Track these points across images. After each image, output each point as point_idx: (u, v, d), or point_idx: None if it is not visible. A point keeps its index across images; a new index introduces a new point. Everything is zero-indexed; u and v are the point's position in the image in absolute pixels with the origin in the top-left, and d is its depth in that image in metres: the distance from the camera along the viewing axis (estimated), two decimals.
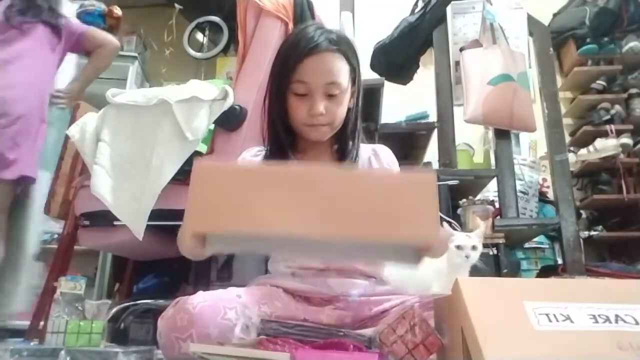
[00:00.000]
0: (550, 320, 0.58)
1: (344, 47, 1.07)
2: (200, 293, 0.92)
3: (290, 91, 1.05)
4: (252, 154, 1.17)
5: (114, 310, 1.76)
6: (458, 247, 1.04)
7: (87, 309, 1.25)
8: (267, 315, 0.93)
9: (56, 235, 2.51)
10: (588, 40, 3.37)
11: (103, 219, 1.57)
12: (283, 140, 1.10)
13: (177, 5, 2.74)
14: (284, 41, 1.14)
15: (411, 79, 2.61)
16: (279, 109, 1.08)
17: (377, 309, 1.03)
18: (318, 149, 1.14)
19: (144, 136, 1.49)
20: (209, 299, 0.89)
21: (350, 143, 1.15)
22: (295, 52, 1.04)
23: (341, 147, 1.16)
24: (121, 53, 3.09)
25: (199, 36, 2.76)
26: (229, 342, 0.79)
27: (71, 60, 2.90)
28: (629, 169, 3.20)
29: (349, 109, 1.12)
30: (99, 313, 1.23)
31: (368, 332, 0.73)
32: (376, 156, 1.19)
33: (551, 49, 2.35)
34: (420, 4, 2.43)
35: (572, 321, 0.58)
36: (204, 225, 0.59)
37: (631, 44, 3.27)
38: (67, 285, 1.27)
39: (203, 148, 1.62)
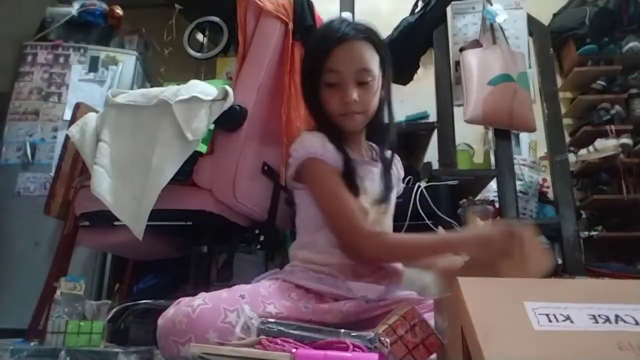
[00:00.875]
0: (550, 321, 0.58)
1: (372, 36, 1.08)
2: (202, 294, 0.91)
3: (323, 83, 1.07)
4: (320, 142, 1.10)
5: (114, 310, 1.76)
6: None
7: (87, 309, 1.25)
8: (272, 316, 0.91)
9: None
10: (588, 40, 3.37)
11: (103, 219, 1.57)
12: (332, 134, 1.10)
13: (177, 5, 2.74)
14: (312, 36, 1.19)
15: (411, 79, 2.62)
16: (314, 103, 1.10)
17: (383, 311, 1.02)
18: (354, 143, 1.15)
19: (144, 136, 1.49)
20: (210, 300, 0.88)
21: (383, 137, 1.18)
22: (324, 43, 1.06)
23: (374, 141, 1.20)
24: (122, 52, 3.10)
25: (199, 36, 2.75)
26: (229, 343, 0.79)
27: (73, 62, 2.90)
28: (629, 169, 3.20)
29: (381, 100, 1.13)
30: (99, 313, 1.23)
31: (369, 332, 0.73)
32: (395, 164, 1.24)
33: (551, 49, 2.35)
34: (420, 4, 2.43)
35: (572, 321, 0.58)
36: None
37: (631, 44, 3.27)
38: (66, 285, 1.27)
39: (203, 148, 1.62)
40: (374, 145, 1.22)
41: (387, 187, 1.15)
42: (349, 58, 1.04)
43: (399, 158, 1.26)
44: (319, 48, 1.07)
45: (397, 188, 1.26)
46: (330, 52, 1.04)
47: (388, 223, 1.19)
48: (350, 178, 1.06)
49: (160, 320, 0.88)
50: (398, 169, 1.25)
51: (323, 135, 1.09)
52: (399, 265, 1.10)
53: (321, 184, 1.05)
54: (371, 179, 1.13)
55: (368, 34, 1.08)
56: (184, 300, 0.89)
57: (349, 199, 1.02)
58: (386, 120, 1.17)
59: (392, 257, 1.04)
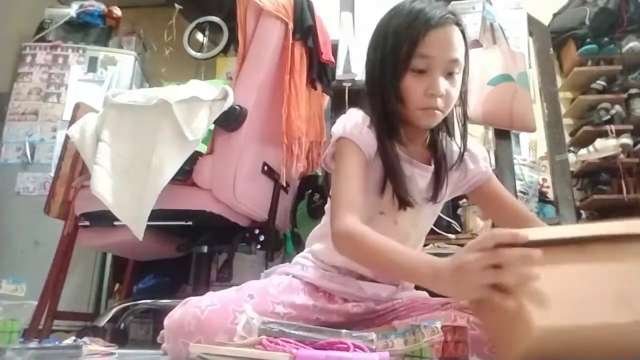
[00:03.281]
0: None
1: (463, 26, 0.98)
2: (209, 294, 0.89)
3: (409, 68, 0.93)
4: (360, 128, 1.00)
5: (114, 310, 1.76)
6: None
7: (7, 309, 1.22)
8: (280, 317, 0.90)
9: None
10: (588, 40, 3.37)
11: (103, 219, 1.57)
12: (392, 127, 0.98)
13: (177, 5, 2.74)
14: (393, 16, 0.98)
15: None
16: (394, 89, 0.95)
17: (387, 310, 1.02)
18: (414, 139, 1.03)
19: (144, 136, 1.49)
20: (218, 301, 0.86)
21: (445, 135, 1.05)
22: (418, 23, 0.92)
23: (434, 137, 1.05)
24: (121, 52, 3.10)
25: (199, 36, 2.75)
26: (229, 343, 0.79)
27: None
28: (629, 169, 3.20)
29: (460, 97, 1.01)
30: (21, 313, 1.20)
31: (370, 332, 0.72)
32: (471, 156, 1.08)
33: (551, 49, 2.35)
34: None
35: None
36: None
37: (631, 44, 3.27)
38: (7, 287, 1.25)
39: (203, 148, 1.62)
40: (442, 142, 1.06)
41: (435, 192, 1.03)
42: (443, 44, 0.93)
43: (476, 151, 1.10)
44: (412, 27, 0.92)
45: (465, 181, 1.11)
46: (425, 34, 0.91)
47: (424, 227, 1.11)
48: (389, 174, 0.97)
49: (167, 321, 0.87)
50: (468, 166, 1.08)
51: (366, 117, 1.00)
52: None
53: (339, 165, 0.97)
54: (416, 182, 1.02)
55: (461, 23, 0.97)
56: (192, 301, 0.87)
57: (353, 188, 0.93)
58: (458, 120, 1.05)
59: (359, 262, 0.95)
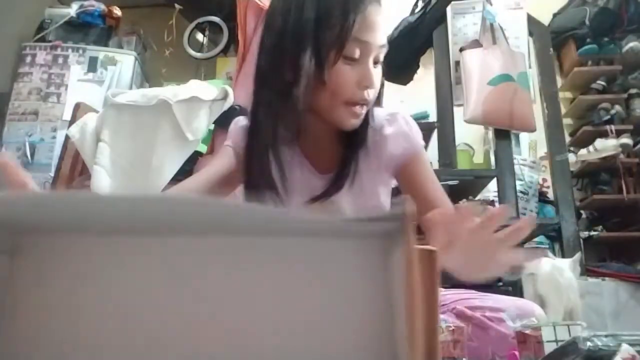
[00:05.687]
0: None
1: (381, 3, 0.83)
2: None
3: (339, 57, 0.77)
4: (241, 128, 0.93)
5: None
6: None
7: None
8: None
9: None
10: (588, 40, 3.37)
11: None
12: (301, 123, 0.85)
13: (177, 5, 2.74)
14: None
15: (411, 79, 2.62)
16: (317, 79, 0.78)
17: None
18: (319, 135, 0.89)
19: (144, 136, 1.49)
20: None
21: (365, 125, 0.87)
22: (350, 2, 0.76)
23: (353, 137, 0.87)
24: (121, 52, 3.10)
25: (199, 36, 2.76)
26: None
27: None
28: (629, 169, 3.20)
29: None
30: None
31: None
32: (385, 139, 0.89)
33: (551, 49, 2.35)
34: (420, 4, 2.43)
35: None
36: None
37: (631, 44, 3.27)
38: None
39: (203, 148, 1.62)
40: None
41: (328, 191, 0.86)
42: (376, 26, 0.78)
43: (389, 132, 0.90)
44: (342, 5, 0.76)
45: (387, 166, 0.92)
46: (360, 13, 0.76)
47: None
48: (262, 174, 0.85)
49: None
50: (382, 150, 0.90)
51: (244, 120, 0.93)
52: None
53: None
54: (306, 182, 0.89)
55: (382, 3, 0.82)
56: None
57: (191, 180, 0.94)
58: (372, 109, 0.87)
59: None
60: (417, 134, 0.92)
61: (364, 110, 0.82)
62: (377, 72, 0.81)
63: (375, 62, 0.81)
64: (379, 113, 0.90)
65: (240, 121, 0.96)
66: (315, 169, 0.91)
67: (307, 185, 0.89)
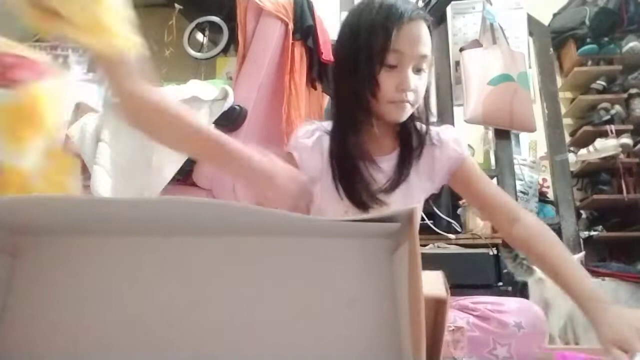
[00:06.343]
0: None
1: (429, 21, 1.00)
2: None
3: (380, 64, 0.95)
4: (309, 137, 1.05)
5: None
6: None
7: None
8: None
9: None
10: (588, 40, 3.37)
11: None
12: (359, 121, 1.01)
13: (177, 5, 2.74)
14: (363, 11, 0.99)
15: None
16: (369, 84, 0.96)
17: None
18: (381, 133, 1.03)
19: (144, 136, 1.49)
20: None
21: (417, 127, 1.06)
22: (390, 19, 0.94)
23: (406, 131, 1.05)
24: None
25: (199, 36, 2.75)
26: None
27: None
28: (629, 169, 3.20)
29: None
30: None
31: None
32: (440, 143, 1.07)
33: (551, 49, 2.35)
34: (420, 4, 2.43)
35: None
36: None
37: (631, 44, 3.27)
38: None
39: None
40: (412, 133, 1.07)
41: (396, 180, 1.02)
42: (414, 40, 0.95)
43: (445, 137, 1.09)
44: (384, 22, 0.94)
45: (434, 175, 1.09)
46: (398, 29, 0.93)
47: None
48: (340, 179, 1.01)
49: None
50: (435, 154, 1.07)
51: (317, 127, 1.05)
52: None
53: None
54: (375, 179, 1.02)
55: (428, 18, 1.00)
56: None
57: None
58: (423, 110, 1.07)
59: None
60: (463, 140, 1.11)
61: (407, 106, 0.98)
62: (417, 78, 0.97)
63: (418, 70, 0.98)
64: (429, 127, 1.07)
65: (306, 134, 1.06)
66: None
67: (375, 180, 1.02)
